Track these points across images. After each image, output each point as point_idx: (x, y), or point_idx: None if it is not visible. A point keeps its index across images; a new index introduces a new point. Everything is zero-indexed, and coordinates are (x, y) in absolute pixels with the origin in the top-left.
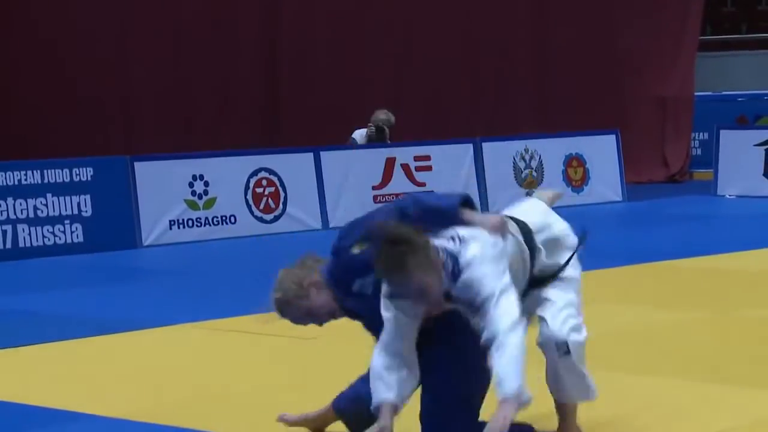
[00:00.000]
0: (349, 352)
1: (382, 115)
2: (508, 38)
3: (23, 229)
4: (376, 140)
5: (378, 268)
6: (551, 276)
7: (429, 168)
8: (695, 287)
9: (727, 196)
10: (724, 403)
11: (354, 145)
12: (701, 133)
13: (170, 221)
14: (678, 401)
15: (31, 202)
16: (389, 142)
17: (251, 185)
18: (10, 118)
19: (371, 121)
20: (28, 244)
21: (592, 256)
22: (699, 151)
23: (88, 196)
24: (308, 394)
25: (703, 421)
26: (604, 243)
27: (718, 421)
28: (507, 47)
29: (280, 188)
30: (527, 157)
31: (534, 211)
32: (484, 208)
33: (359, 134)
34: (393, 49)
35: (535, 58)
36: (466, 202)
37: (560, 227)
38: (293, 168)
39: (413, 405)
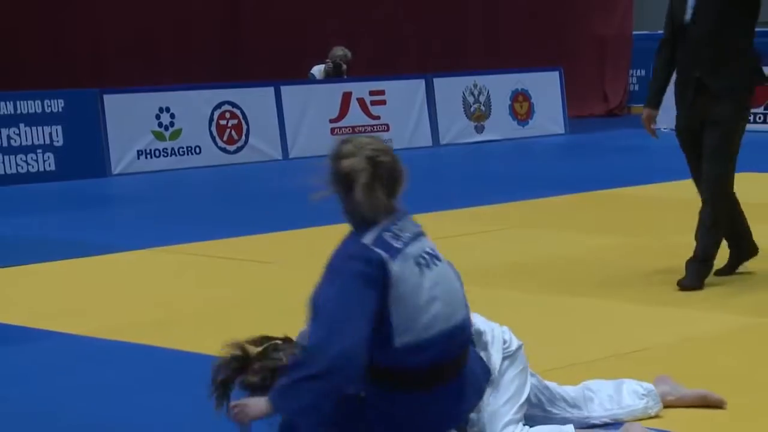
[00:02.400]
0: (309, 276)
1: (339, 52)
2: None
3: None
4: (333, 75)
5: None
6: None
7: (383, 102)
8: (632, 215)
9: (662, 129)
10: (655, 321)
11: (312, 80)
12: (639, 70)
13: (138, 151)
14: (613, 321)
15: (4, 131)
16: (346, 77)
17: (215, 117)
18: None
19: (329, 57)
20: (2, 172)
21: (537, 185)
22: (636, 87)
23: (59, 127)
24: (264, 313)
25: (636, 338)
26: (547, 173)
27: (650, 338)
28: None
29: (242, 120)
30: (476, 92)
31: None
32: (435, 139)
33: (317, 70)
34: None
35: None
36: None
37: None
38: (255, 101)
39: None
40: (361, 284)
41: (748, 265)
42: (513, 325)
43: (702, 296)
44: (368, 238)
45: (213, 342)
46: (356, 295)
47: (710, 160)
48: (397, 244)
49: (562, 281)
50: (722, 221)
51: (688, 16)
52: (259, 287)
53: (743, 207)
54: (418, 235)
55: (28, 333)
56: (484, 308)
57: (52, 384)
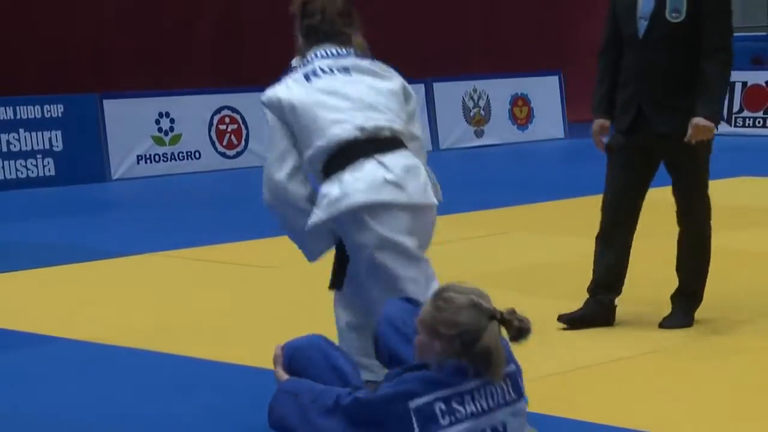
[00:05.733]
0: (309, 281)
1: None
2: None
3: None
4: None
5: None
6: None
7: None
8: None
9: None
10: (655, 326)
11: None
12: None
13: (138, 156)
14: (613, 324)
15: (4, 137)
16: None
17: (215, 122)
18: None
19: None
20: (1, 177)
21: (537, 189)
22: None
23: (59, 132)
24: (264, 317)
25: (635, 342)
26: (547, 178)
27: (648, 343)
28: None
29: (242, 125)
30: (475, 97)
31: None
32: (435, 143)
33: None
34: None
35: (482, 2)
36: None
37: None
38: (255, 106)
39: None
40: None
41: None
42: None
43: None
44: (417, 402)
45: (213, 347)
46: None
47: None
48: (443, 421)
49: (561, 286)
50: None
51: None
52: (258, 292)
53: (743, 211)
54: (492, 409)
55: (27, 338)
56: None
57: (51, 389)
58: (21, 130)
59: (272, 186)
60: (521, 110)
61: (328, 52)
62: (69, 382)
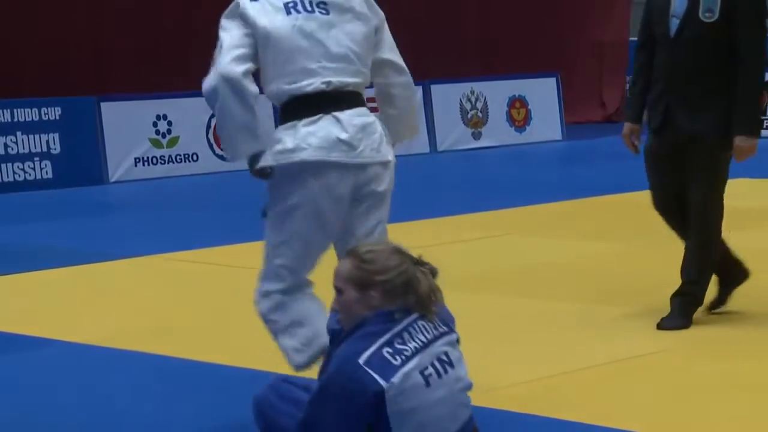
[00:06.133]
0: None
1: None
2: None
3: None
4: None
5: None
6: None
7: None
8: (629, 221)
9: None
10: (652, 328)
11: None
12: None
13: (135, 158)
14: (612, 327)
15: (1, 139)
16: None
17: (212, 125)
18: None
19: None
20: None
21: (534, 191)
22: None
23: (56, 135)
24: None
25: (633, 345)
26: (544, 179)
27: (646, 345)
28: None
29: None
30: (473, 99)
31: None
32: (433, 145)
33: None
34: None
35: (479, 4)
36: None
37: None
38: None
39: None
40: (351, 413)
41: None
42: (509, 331)
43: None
44: (365, 356)
45: (211, 350)
46: (344, 423)
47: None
48: (396, 362)
49: (559, 288)
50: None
51: None
52: None
53: (744, 213)
54: (431, 341)
55: (25, 341)
56: (481, 315)
57: (50, 392)
58: (18, 133)
59: (227, 77)
60: (519, 112)
61: None
62: (68, 385)
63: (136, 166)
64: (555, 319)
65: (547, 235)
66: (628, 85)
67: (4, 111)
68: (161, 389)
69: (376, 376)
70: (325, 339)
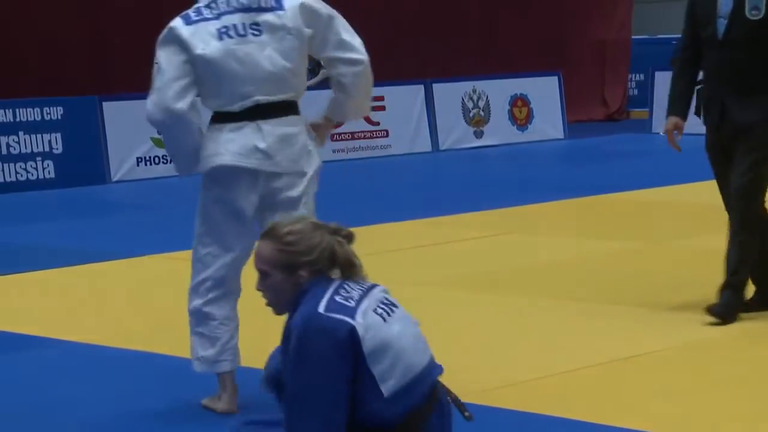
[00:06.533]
0: None
1: None
2: None
3: None
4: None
5: None
6: None
7: (382, 108)
8: (632, 220)
9: (662, 134)
10: (653, 326)
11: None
12: (638, 75)
13: (137, 158)
14: (614, 325)
15: (3, 139)
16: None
17: None
18: None
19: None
20: (1, 180)
21: (536, 190)
22: (636, 92)
23: (58, 134)
24: (264, 319)
25: (635, 344)
26: (546, 178)
27: (649, 343)
28: None
29: None
30: (475, 97)
31: None
32: (435, 144)
33: None
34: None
35: (481, 3)
36: None
37: None
38: None
39: None
40: (333, 360)
41: None
42: (513, 329)
43: (699, 299)
44: (322, 306)
45: None
46: (331, 375)
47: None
48: (351, 303)
49: (561, 286)
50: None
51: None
52: (258, 293)
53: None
54: (368, 290)
55: (28, 341)
56: (484, 313)
57: (52, 391)
58: (21, 133)
59: (174, 114)
60: (521, 111)
61: (241, 4)
62: (68, 385)
63: (138, 165)
64: (556, 317)
65: (548, 234)
66: (630, 83)
67: (6, 111)
68: (163, 388)
69: (342, 317)
70: (226, 365)
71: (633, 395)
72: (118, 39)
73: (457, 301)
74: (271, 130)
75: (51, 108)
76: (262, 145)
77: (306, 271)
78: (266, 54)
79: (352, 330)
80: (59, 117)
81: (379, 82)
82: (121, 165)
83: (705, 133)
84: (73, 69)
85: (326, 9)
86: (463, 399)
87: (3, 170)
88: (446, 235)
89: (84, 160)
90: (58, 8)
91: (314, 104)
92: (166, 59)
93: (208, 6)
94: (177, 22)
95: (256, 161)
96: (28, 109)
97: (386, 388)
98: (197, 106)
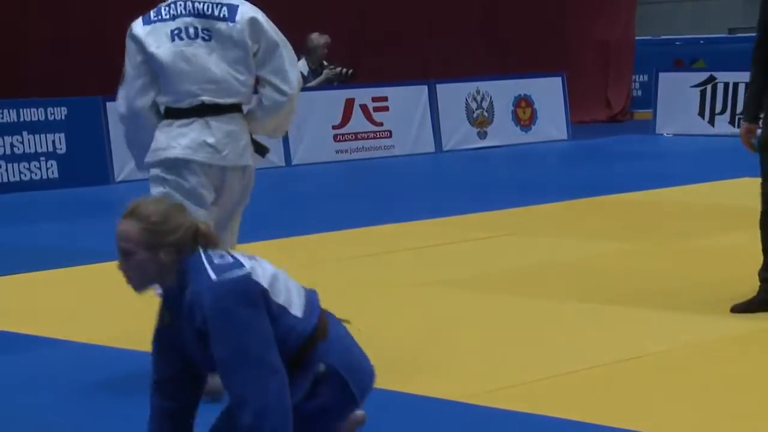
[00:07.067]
0: (308, 282)
1: (322, 40)
2: None
3: (0, 165)
4: (341, 81)
5: None
6: None
7: (386, 108)
8: (635, 220)
9: (665, 135)
10: (656, 327)
11: (313, 86)
12: (641, 76)
13: None
14: (615, 326)
15: (7, 139)
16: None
17: None
18: None
19: (309, 45)
20: (5, 180)
21: (539, 191)
22: (639, 93)
23: (62, 135)
24: None
25: (637, 344)
26: (550, 179)
27: (651, 343)
28: None
29: None
30: (479, 98)
31: None
32: (438, 145)
33: (301, 63)
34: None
35: (485, 4)
36: None
37: None
38: None
39: None
40: (252, 311)
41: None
42: (515, 331)
43: (701, 301)
44: (212, 274)
45: None
46: (257, 325)
47: None
48: (228, 258)
49: (564, 288)
50: None
51: None
52: None
53: (745, 211)
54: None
55: (31, 341)
56: (486, 314)
57: (51, 392)
58: (24, 133)
59: (135, 112)
60: (524, 111)
61: (196, 9)
62: (68, 385)
63: None
64: (558, 318)
65: (551, 234)
66: (633, 84)
67: (10, 111)
68: None
69: (235, 271)
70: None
71: (633, 396)
72: (122, 40)
73: (460, 301)
74: (219, 126)
75: (55, 108)
76: (211, 140)
77: (170, 250)
78: (213, 58)
79: (248, 276)
80: (63, 117)
81: (382, 82)
82: (125, 165)
83: (761, 131)
84: (77, 69)
85: (277, 36)
86: (465, 400)
87: (7, 170)
88: (449, 236)
89: (88, 160)
90: (62, 8)
91: (314, 104)
92: (127, 58)
93: (168, 5)
94: (137, 22)
95: (206, 155)
96: (32, 110)
97: (296, 309)
98: (158, 106)
